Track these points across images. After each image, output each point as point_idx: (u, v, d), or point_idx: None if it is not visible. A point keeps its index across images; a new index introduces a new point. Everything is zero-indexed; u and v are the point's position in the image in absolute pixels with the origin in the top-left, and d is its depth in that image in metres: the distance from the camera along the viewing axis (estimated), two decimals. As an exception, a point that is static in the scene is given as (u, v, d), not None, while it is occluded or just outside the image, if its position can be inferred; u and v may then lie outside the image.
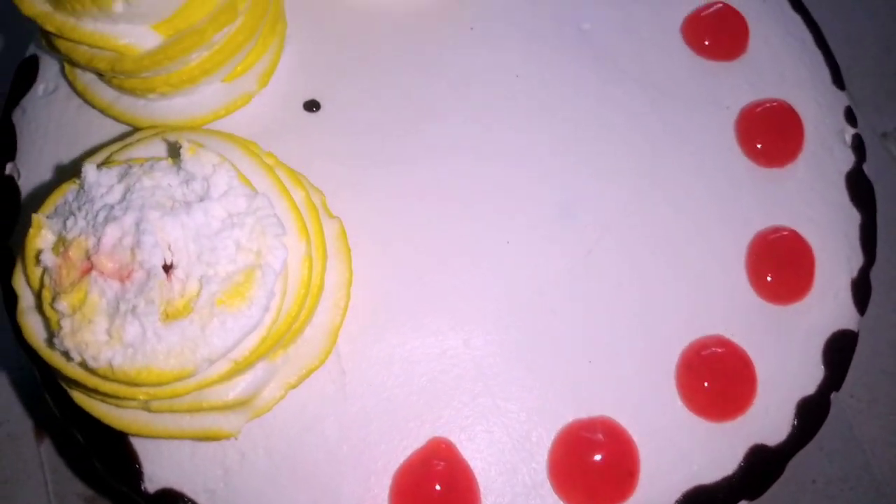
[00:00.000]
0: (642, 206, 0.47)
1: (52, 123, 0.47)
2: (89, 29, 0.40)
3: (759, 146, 0.49)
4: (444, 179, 0.46)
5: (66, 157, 0.46)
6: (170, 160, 0.37)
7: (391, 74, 0.48)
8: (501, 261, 0.45)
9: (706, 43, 0.51)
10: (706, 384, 0.44)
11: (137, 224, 0.34)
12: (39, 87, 0.48)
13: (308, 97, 0.47)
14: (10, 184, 0.46)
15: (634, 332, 0.44)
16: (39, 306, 0.35)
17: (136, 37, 0.41)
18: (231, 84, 0.45)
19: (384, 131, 0.47)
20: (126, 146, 0.40)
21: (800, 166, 0.49)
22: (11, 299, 0.44)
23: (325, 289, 0.41)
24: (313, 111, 0.47)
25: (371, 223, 0.45)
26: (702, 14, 0.52)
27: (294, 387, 0.41)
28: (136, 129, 0.44)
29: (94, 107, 0.45)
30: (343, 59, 0.49)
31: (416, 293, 0.44)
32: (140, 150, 0.39)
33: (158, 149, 0.39)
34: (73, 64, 0.43)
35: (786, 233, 0.47)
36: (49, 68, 0.48)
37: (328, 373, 0.42)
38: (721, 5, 0.52)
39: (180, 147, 0.36)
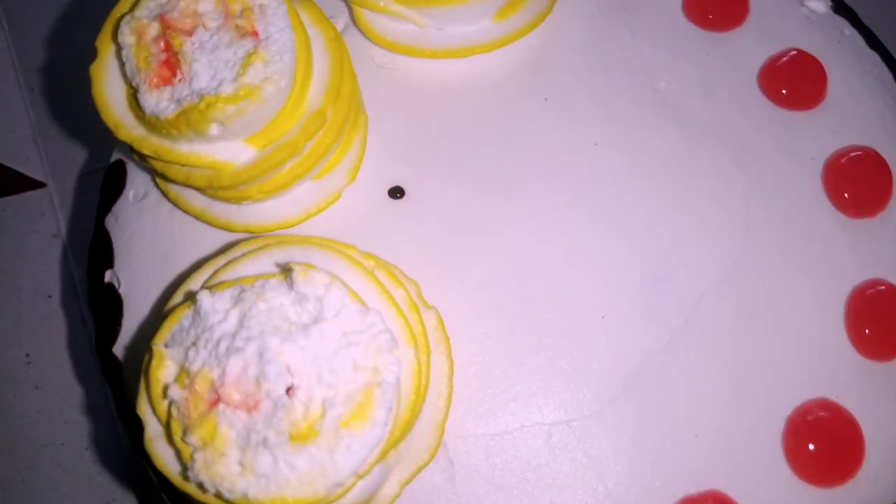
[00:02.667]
0: (736, 269, 0.46)
1: (146, 230, 0.48)
2: (185, 150, 0.41)
3: (847, 196, 0.48)
4: (532, 256, 0.46)
5: (164, 263, 0.47)
6: (279, 276, 0.38)
7: (470, 154, 0.49)
8: (597, 337, 0.45)
9: (784, 92, 0.50)
10: (814, 450, 0.43)
11: (260, 354, 0.35)
12: (129, 193, 0.49)
13: (392, 184, 0.48)
14: (112, 292, 0.47)
15: (738, 402, 0.44)
16: (168, 437, 0.36)
17: (230, 152, 0.41)
18: (320, 182, 0.46)
19: (468, 212, 0.47)
20: (232, 262, 0.40)
21: (892, 213, 0.48)
22: (123, 409, 0.46)
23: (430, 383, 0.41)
24: (398, 197, 0.48)
25: (464, 307, 0.45)
26: (777, 63, 0.51)
27: (409, 482, 0.41)
28: (231, 233, 0.46)
29: (187, 213, 0.46)
30: (422, 141, 0.49)
31: (514, 375, 0.44)
32: (247, 267, 0.40)
33: (265, 263, 0.40)
34: (169, 180, 0.44)
35: (882, 287, 0.46)
36: (137, 174, 0.50)
37: (436, 463, 0.43)
38: (796, 52, 0.51)
39: (291, 270, 0.37)
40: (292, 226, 0.45)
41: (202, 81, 0.39)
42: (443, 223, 0.47)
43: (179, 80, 0.40)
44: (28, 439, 0.60)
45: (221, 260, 0.41)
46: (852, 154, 0.49)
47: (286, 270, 0.37)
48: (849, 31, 0.53)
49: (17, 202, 0.67)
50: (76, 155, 0.69)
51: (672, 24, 0.52)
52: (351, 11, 0.51)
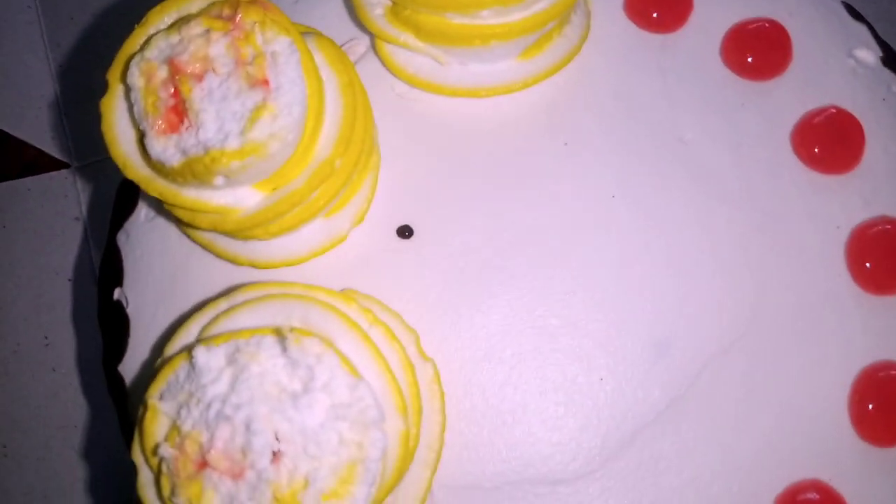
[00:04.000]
0: (742, 341, 0.45)
1: (155, 251, 0.48)
2: (191, 196, 0.41)
3: (869, 269, 0.46)
4: (536, 310, 0.46)
5: (171, 287, 0.47)
6: (276, 332, 0.38)
7: (483, 196, 0.48)
8: (594, 399, 0.45)
9: (816, 151, 0.48)
10: (801, 531, 0.43)
11: (248, 425, 0.35)
12: (142, 212, 0.49)
13: (401, 222, 0.47)
14: (120, 310, 0.48)
15: (729, 476, 0.44)
16: (158, 490, 0.37)
17: (237, 198, 0.41)
18: (328, 221, 0.45)
19: (475, 259, 0.47)
20: (232, 309, 0.41)
21: (913, 293, 0.47)
22: (125, 426, 0.47)
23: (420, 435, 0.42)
24: (407, 237, 0.47)
25: (463, 357, 0.45)
26: (814, 121, 0.48)
27: (392, 538, 0.42)
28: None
29: (194, 242, 0.46)
30: (435, 179, 0.48)
31: (506, 436, 0.44)
32: (246, 317, 0.40)
33: (264, 315, 0.40)
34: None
35: (894, 371, 0.45)
36: (150, 192, 0.50)
37: (423, 512, 0.44)
38: (835, 110, 0.48)
39: (285, 336, 0.37)
40: (297, 263, 0.45)
41: (209, 132, 0.39)
42: (449, 268, 0.47)
43: (187, 128, 0.39)
44: (44, 420, 0.62)
45: (223, 304, 0.42)
46: (881, 227, 0.47)
47: (281, 333, 0.38)
48: (896, 87, 0.50)
49: (40, 182, 0.68)
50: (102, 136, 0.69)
51: (708, 69, 0.50)
52: (372, 37, 0.49)
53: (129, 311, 0.48)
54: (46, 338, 0.64)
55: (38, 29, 0.72)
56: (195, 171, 0.39)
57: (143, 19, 0.43)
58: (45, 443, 0.62)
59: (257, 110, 0.39)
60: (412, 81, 0.48)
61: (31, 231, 0.67)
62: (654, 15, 0.51)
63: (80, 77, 0.71)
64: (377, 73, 0.50)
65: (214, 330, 0.41)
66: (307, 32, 0.44)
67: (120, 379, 0.47)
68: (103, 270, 0.50)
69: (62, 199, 0.68)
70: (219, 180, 0.39)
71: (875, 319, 0.46)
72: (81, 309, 0.65)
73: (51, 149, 0.69)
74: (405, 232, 0.48)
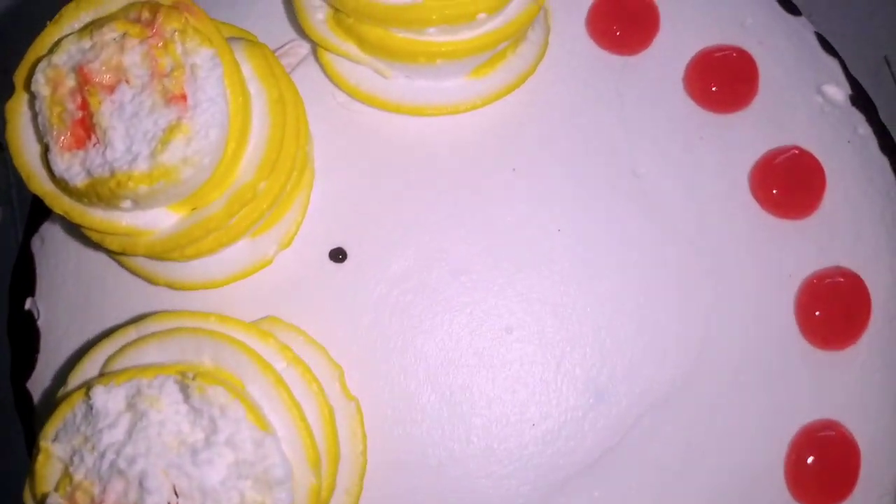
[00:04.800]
0: (681, 392, 0.44)
1: (70, 261, 0.45)
2: (99, 216, 0.37)
3: (818, 323, 0.45)
4: (469, 347, 0.44)
5: (85, 302, 0.44)
6: (180, 375, 0.36)
7: (423, 220, 0.45)
8: (525, 446, 0.43)
9: (774, 192, 0.46)
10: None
11: (141, 481, 0.33)
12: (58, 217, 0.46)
13: (335, 244, 0.45)
14: (31, 321, 0.45)
15: (659, 529, 0.43)
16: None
17: (149, 220, 0.38)
18: (253, 241, 0.42)
19: (410, 288, 0.44)
20: (140, 340, 0.38)
21: (861, 349, 0.45)
22: (31, 446, 0.44)
23: (338, 479, 0.40)
24: (340, 260, 0.45)
25: (392, 393, 0.43)
26: (775, 161, 0.46)
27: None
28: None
29: (110, 255, 0.43)
30: (373, 200, 0.45)
31: (433, 483, 0.42)
32: (153, 351, 0.38)
33: (172, 350, 0.38)
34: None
35: (832, 432, 0.43)
36: (67, 196, 0.46)
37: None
38: (797, 151, 0.46)
39: (188, 385, 0.34)
40: (217, 286, 0.42)
41: (116, 152, 0.35)
42: (383, 295, 0.44)
43: (94, 145, 0.36)
44: None
45: (132, 332, 0.39)
46: (833, 279, 0.45)
47: (185, 378, 0.35)
48: (863, 129, 0.48)
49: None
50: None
51: (669, 97, 0.47)
52: (314, 43, 0.46)
53: (40, 323, 0.45)
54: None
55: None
56: (100, 194, 0.36)
57: (57, 16, 0.39)
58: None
59: (170, 130, 0.35)
60: (354, 93, 0.45)
61: (-45, 212, 0.63)
62: (618, 33, 0.48)
63: (14, 46, 0.67)
64: (318, 79, 0.47)
65: (120, 362, 0.38)
66: (237, 38, 0.41)
67: (28, 395, 0.44)
68: (15, 276, 0.46)
69: (-9, 181, 0.64)
70: (126, 203, 0.36)
71: (820, 375, 0.45)
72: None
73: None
74: (338, 255, 0.45)
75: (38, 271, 0.46)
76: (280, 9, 0.48)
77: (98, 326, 0.44)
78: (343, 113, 0.46)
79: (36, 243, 0.46)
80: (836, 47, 0.49)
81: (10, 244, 0.63)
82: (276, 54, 0.46)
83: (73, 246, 0.45)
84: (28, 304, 0.46)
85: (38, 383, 0.44)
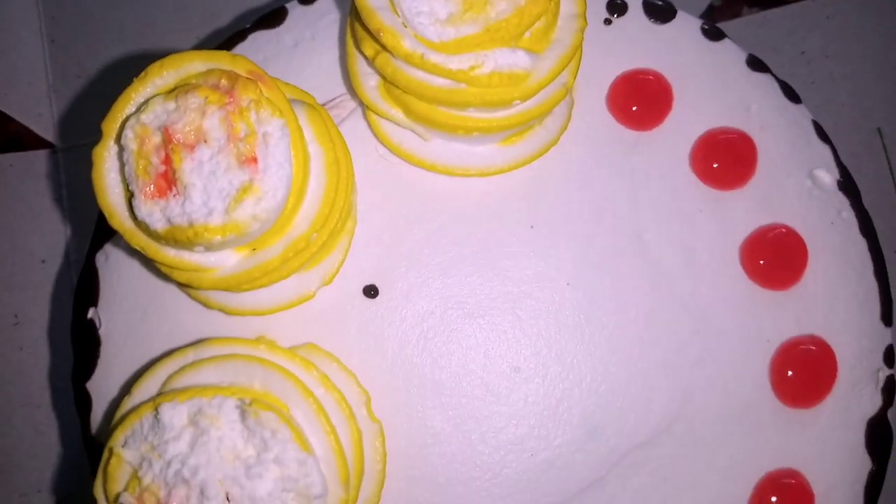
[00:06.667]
0: (664, 435, 0.50)
1: (132, 279, 0.51)
2: (171, 255, 0.43)
3: (789, 384, 0.51)
4: (481, 384, 0.50)
5: (143, 317, 0.50)
6: (238, 397, 0.41)
7: (447, 265, 0.51)
8: (521, 474, 0.49)
9: (761, 264, 0.52)
10: None
11: (202, 489, 0.39)
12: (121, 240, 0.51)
13: (368, 282, 0.50)
14: (92, 330, 0.51)
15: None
16: (115, 529, 0.41)
17: (214, 259, 0.44)
18: (299, 278, 0.48)
19: (432, 326, 0.50)
20: (200, 363, 0.44)
21: (826, 410, 0.51)
22: (88, 439, 0.50)
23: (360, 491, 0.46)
24: (372, 296, 0.50)
25: (406, 420, 0.49)
26: (763, 237, 0.52)
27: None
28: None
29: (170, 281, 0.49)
30: (406, 245, 0.51)
31: (440, 498, 0.48)
32: (211, 373, 0.43)
33: (228, 373, 0.43)
34: (156, 264, 0.46)
35: (793, 481, 0.50)
36: (132, 219, 0.52)
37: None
38: (784, 230, 0.52)
39: (245, 410, 0.40)
40: (265, 314, 0.48)
41: (194, 205, 0.41)
42: (407, 332, 0.50)
43: (174, 196, 0.41)
44: (7, 398, 0.65)
45: (190, 354, 0.45)
46: (806, 346, 0.51)
47: (244, 404, 0.41)
48: (846, 213, 0.53)
49: (23, 159, 0.69)
50: (90, 119, 0.70)
51: (674, 171, 0.53)
52: (363, 105, 0.51)
53: (101, 332, 0.50)
54: (16, 316, 0.66)
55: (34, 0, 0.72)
56: (178, 239, 0.41)
57: (143, 73, 0.44)
58: (7, 420, 0.64)
59: (243, 190, 0.41)
60: (395, 150, 0.50)
61: (9, 208, 0.68)
62: (634, 109, 0.53)
63: (73, 55, 0.71)
64: (363, 132, 0.52)
65: (180, 381, 0.44)
66: (298, 101, 0.46)
67: (87, 396, 0.50)
68: (80, 287, 0.52)
69: (43, 178, 0.69)
70: (199, 248, 0.42)
71: (787, 429, 0.51)
72: (56, 293, 0.67)
73: (36, 126, 0.70)
74: (371, 291, 0.50)
75: (101, 285, 0.51)
76: (331, 65, 0.53)
77: (154, 340, 0.50)
78: (383, 164, 0.52)
79: (100, 259, 0.52)
80: (834, 116, 0.54)
81: (60, 239, 0.68)
82: (328, 106, 0.52)
83: (135, 266, 0.51)
84: (90, 314, 0.51)
85: (96, 386, 0.50)
